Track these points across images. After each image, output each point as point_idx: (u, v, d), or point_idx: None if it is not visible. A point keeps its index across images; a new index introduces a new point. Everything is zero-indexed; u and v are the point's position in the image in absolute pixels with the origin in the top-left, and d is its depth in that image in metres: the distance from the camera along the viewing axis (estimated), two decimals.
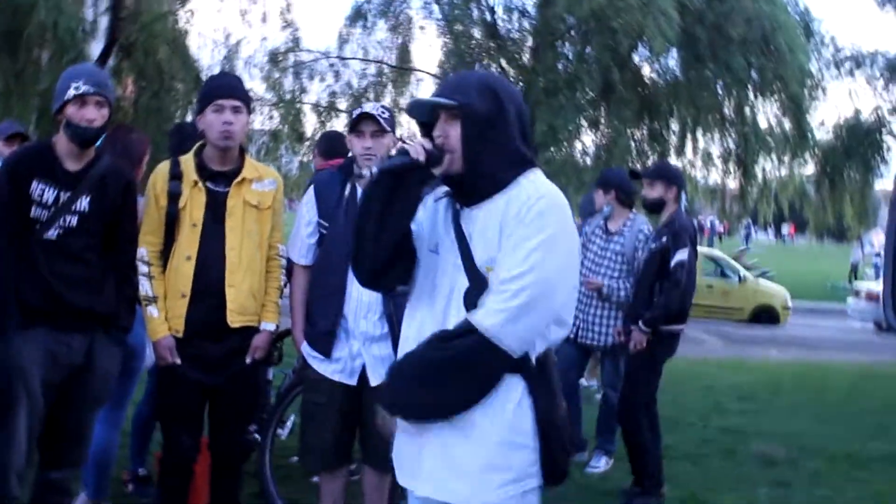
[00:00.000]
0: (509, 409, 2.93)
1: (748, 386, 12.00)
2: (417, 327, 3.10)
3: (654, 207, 6.70)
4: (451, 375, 2.90)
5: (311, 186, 5.02)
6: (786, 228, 74.69)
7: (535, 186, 2.99)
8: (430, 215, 3.17)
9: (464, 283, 2.99)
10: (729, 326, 20.06)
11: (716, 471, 7.56)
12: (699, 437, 8.75)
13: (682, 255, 6.41)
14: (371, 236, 3.01)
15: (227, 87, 4.83)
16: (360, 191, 4.75)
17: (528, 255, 2.87)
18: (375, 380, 4.73)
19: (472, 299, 2.94)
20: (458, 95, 3.00)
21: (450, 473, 2.96)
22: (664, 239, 6.46)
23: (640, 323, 6.44)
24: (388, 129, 4.77)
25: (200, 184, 4.71)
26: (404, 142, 3.18)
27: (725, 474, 7.48)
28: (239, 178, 4.76)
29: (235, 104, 4.68)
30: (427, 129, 3.12)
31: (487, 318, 2.85)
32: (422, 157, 2.93)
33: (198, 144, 4.85)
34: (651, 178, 6.64)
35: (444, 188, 3.14)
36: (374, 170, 2.95)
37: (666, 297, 6.42)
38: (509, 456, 2.94)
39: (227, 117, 4.64)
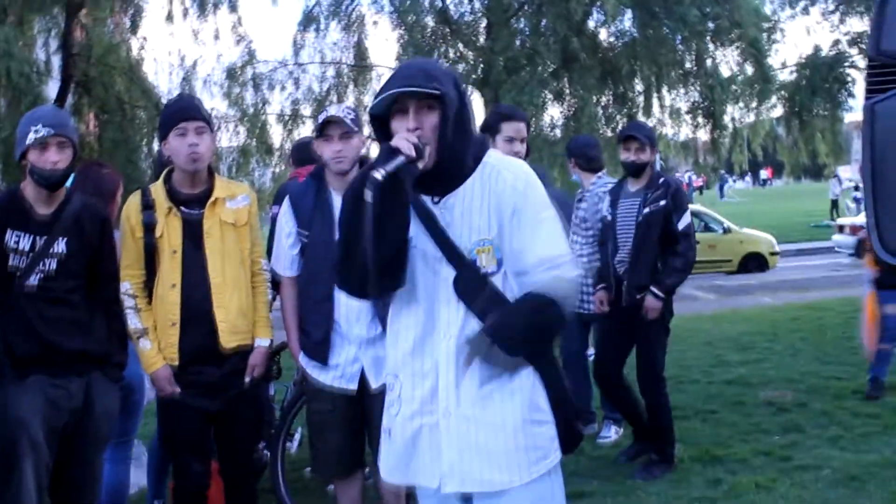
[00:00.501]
0: (526, 388, 2.96)
1: (747, 336, 12.02)
2: (406, 324, 3.08)
3: (640, 170, 6.55)
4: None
5: (286, 197, 4.98)
6: (765, 173, 75.00)
7: (512, 163, 3.07)
8: None
9: (448, 273, 2.97)
10: (720, 279, 20.08)
11: (726, 424, 7.56)
12: (705, 393, 8.75)
13: (687, 217, 6.37)
14: (374, 243, 2.80)
15: (186, 109, 4.78)
16: (335, 197, 4.73)
17: (554, 229, 3.00)
18: (375, 382, 4.72)
19: (462, 286, 2.95)
20: (435, 84, 2.90)
21: (479, 464, 2.94)
22: (662, 203, 6.35)
23: (656, 289, 6.31)
24: (356, 129, 4.76)
25: (174, 210, 4.67)
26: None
27: (736, 427, 7.47)
28: (212, 199, 4.72)
29: (198, 125, 4.64)
30: (381, 124, 3.01)
31: (560, 286, 2.97)
32: (413, 153, 2.81)
33: (166, 171, 4.82)
34: (642, 143, 6.50)
35: None
36: (382, 174, 2.72)
37: (684, 260, 6.33)
38: (534, 435, 2.95)
39: (192, 139, 4.60)
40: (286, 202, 4.94)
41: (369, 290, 2.97)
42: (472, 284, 2.94)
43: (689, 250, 6.35)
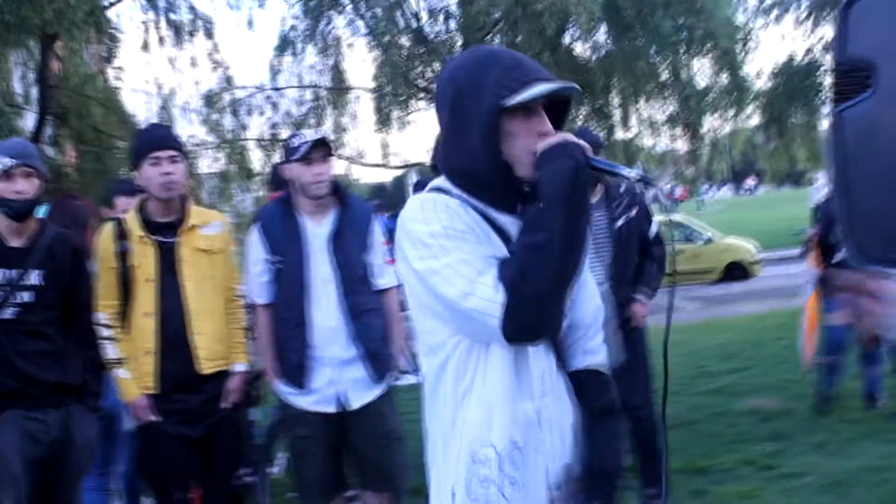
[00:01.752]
0: None
1: (731, 344, 12.04)
2: (497, 380, 2.36)
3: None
4: None
5: (256, 225, 4.96)
6: (750, 181, 75.36)
7: None
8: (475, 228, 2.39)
9: None
10: (703, 289, 20.11)
11: (711, 435, 7.55)
12: (691, 403, 8.73)
13: (656, 222, 6.29)
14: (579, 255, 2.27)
15: (159, 139, 4.78)
16: (307, 222, 4.76)
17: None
18: (356, 402, 4.72)
19: None
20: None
21: None
22: (635, 212, 6.19)
23: (642, 296, 6.11)
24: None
25: (148, 238, 4.66)
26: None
27: (721, 437, 7.47)
28: (186, 226, 4.72)
29: (171, 154, 4.65)
30: (491, 130, 2.33)
31: None
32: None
33: (139, 199, 4.81)
34: (600, 149, 6.35)
35: (453, 193, 2.43)
36: (635, 173, 2.29)
37: (661, 263, 6.23)
38: None
39: (166, 168, 4.61)
40: (255, 229, 4.92)
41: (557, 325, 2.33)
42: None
43: (664, 254, 6.25)
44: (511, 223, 2.40)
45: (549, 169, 2.23)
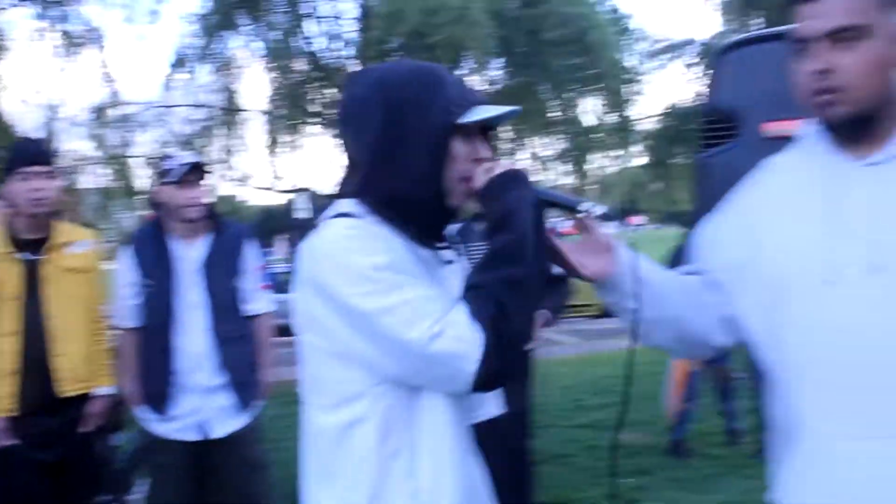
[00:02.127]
0: None
1: (606, 380, 12.17)
2: (447, 444, 2.08)
3: None
4: None
5: (127, 247, 4.88)
6: (634, 219, 76.64)
7: None
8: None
9: None
10: (582, 324, 20.32)
11: (580, 469, 7.64)
12: (563, 437, 8.83)
13: None
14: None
15: (30, 154, 4.67)
16: (178, 245, 4.70)
17: None
18: (220, 431, 4.65)
19: None
20: None
21: None
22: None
23: (541, 312, 6.16)
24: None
25: (13, 255, 4.54)
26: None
27: (590, 470, 7.56)
28: (52, 244, 4.61)
29: (42, 170, 4.53)
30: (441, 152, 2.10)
31: None
32: None
33: (6, 214, 4.69)
34: None
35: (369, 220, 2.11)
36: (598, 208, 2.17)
37: (563, 297, 6.30)
38: None
39: (35, 184, 4.49)
40: (128, 251, 4.84)
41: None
42: None
43: (568, 289, 6.30)
44: (429, 257, 2.17)
45: (513, 198, 2.03)
